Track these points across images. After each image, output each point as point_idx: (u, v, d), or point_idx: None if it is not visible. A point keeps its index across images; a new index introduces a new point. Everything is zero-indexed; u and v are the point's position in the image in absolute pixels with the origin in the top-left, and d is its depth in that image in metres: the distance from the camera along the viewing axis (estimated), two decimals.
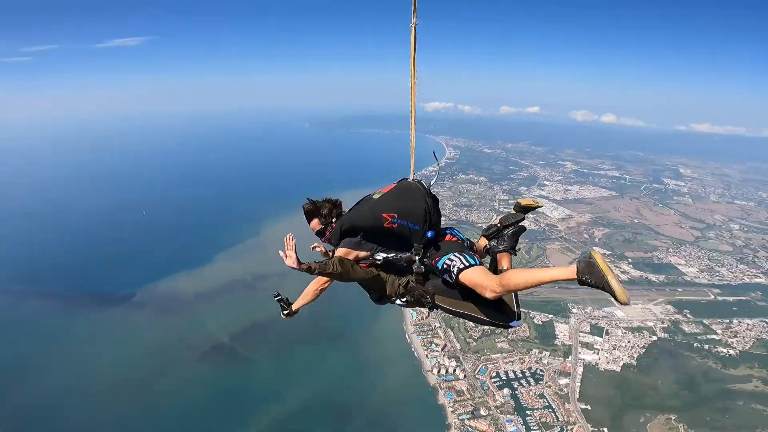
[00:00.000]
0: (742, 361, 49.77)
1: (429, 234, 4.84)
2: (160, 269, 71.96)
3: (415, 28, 4.71)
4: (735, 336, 54.33)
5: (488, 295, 4.32)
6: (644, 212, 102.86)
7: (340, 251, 4.98)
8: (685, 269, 72.63)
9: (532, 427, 41.53)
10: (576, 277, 3.92)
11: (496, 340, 53.55)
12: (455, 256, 4.67)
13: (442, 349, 52.11)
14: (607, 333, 55.13)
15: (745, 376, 47.28)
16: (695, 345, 53.00)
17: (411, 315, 57.94)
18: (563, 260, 74.17)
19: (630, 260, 75.75)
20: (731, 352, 51.49)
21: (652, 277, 69.11)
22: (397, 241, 4.91)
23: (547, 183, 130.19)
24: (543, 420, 42.11)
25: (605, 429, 41.02)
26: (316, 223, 5.53)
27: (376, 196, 5.10)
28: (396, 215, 4.79)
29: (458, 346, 52.84)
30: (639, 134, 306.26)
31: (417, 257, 4.83)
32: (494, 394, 45.50)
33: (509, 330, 43.31)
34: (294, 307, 5.73)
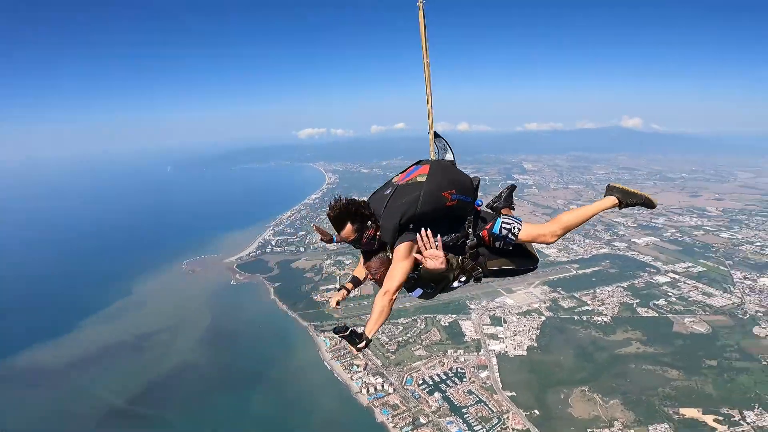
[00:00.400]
0: (617, 326, 55.54)
1: (478, 203, 4.91)
2: (12, 344, 60.87)
3: (422, 6, 4.92)
4: (603, 304, 60.82)
5: (551, 239, 4.80)
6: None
7: (404, 247, 4.50)
8: (547, 251, 79.42)
9: (472, 424, 41.73)
10: (617, 203, 5.00)
11: (413, 349, 53.88)
12: (506, 219, 4.93)
13: (364, 369, 50.87)
14: (505, 321, 57.93)
15: (625, 340, 52.63)
16: (575, 318, 58.01)
17: (325, 343, 56.59)
18: None
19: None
20: (605, 319, 57.29)
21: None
22: (449, 220, 4.80)
23: None
24: (480, 414, 42.73)
25: (536, 411, 42.38)
26: (349, 231, 4.50)
27: (419, 179, 4.74)
28: (455, 191, 4.66)
29: (379, 362, 52.02)
30: (489, 138, 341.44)
31: (471, 230, 4.84)
32: (427, 401, 45.29)
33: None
34: (368, 333, 4.31)
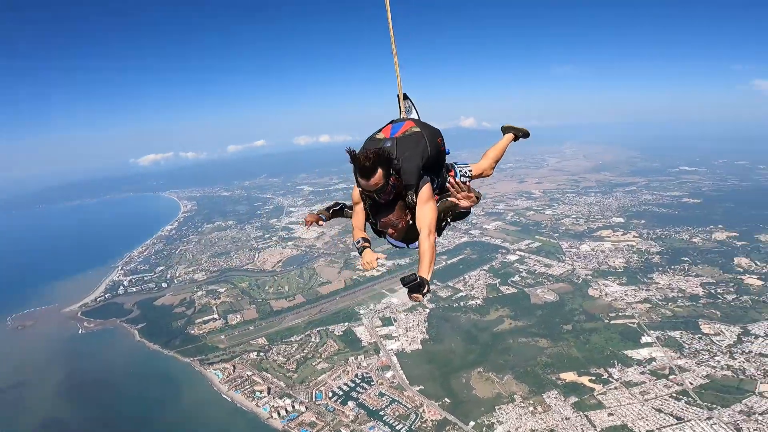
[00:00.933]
0: (489, 306, 61.78)
1: (447, 151, 5.44)
2: None
3: None
4: (473, 288, 67.16)
5: (490, 172, 6.29)
6: None
7: (428, 189, 4.79)
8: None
9: (393, 424, 42.46)
10: (514, 137, 7.11)
11: (313, 364, 53.16)
12: (460, 164, 5.90)
13: (268, 393, 48.31)
14: (395, 320, 60.34)
15: (498, 318, 58.77)
16: (455, 305, 63.04)
17: (217, 375, 52.55)
18: (332, 273, 78.95)
19: (380, 253, 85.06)
20: (478, 302, 63.31)
21: (401, 262, 78.01)
22: (439, 166, 5.23)
23: (293, 209, 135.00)
24: (397, 414, 43.76)
25: (446, 399, 44.85)
26: (380, 177, 4.46)
27: (413, 130, 5.11)
28: (441, 139, 5.16)
29: (282, 383, 49.91)
30: (351, 146, 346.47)
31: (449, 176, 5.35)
32: (343, 411, 45.04)
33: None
34: (428, 277, 4.31)
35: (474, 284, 69.29)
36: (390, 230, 4.95)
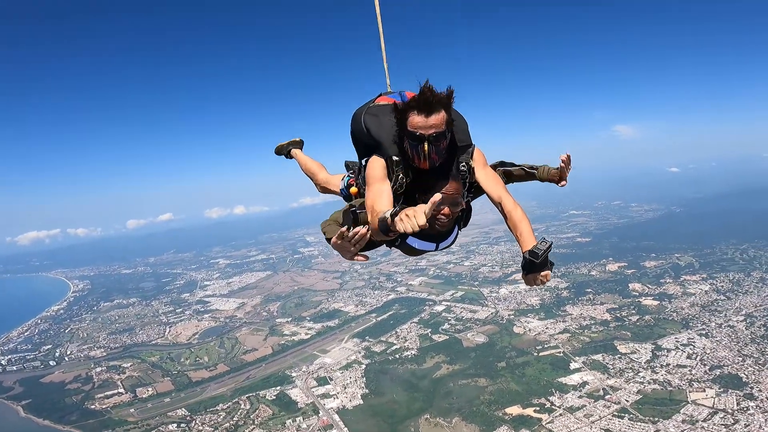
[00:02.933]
0: (424, 355, 60.52)
1: None
2: None
3: None
4: (406, 340, 65.80)
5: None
6: (298, 279, 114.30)
7: (482, 153, 4.02)
8: (346, 309, 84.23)
9: None
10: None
11: (246, 431, 47.42)
12: None
13: None
14: (331, 379, 56.71)
15: (435, 365, 57.43)
16: (390, 358, 61.03)
17: None
18: (256, 340, 73.20)
19: (308, 318, 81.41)
20: (413, 352, 61.88)
21: (330, 324, 76.16)
22: None
23: (207, 283, 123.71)
24: None
25: None
26: (441, 119, 3.43)
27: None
28: None
29: None
30: (267, 217, 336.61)
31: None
32: None
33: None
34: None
35: (406, 336, 67.85)
36: (446, 209, 3.56)
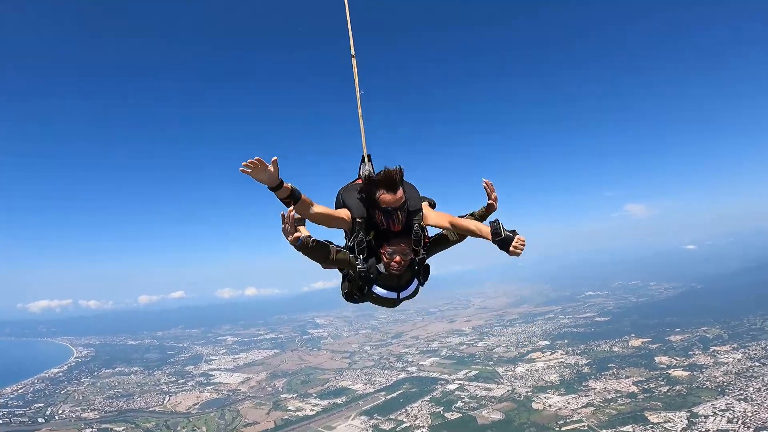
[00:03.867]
0: None
1: None
2: None
3: (354, 57, 5.69)
4: (416, 418, 60.65)
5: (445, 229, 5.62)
6: (306, 358, 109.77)
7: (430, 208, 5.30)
8: (354, 387, 79.03)
9: None
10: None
11: None
12: None
13: None
14: None
15: None
16: None
17: None
18: (259, 414, 68.35)
19: (314, 395, 76.46)
20: (424, 430, 57.07)
21: (337, 401, 71.44)
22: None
23: (213, 357, 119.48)
24: None
25: None
26: (401, 195, 4.48)
27: None
28: None
29: None
30: (278, 300, 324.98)
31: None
32: None
33: None
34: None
35: (417, 414, 62.24)
36: (398, 258, 4.60)
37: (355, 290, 4.92)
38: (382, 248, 4.57)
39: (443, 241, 5.07)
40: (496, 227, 4.17)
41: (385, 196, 4.33)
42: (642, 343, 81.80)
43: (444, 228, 4.93)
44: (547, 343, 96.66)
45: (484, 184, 5.24)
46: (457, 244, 5.22)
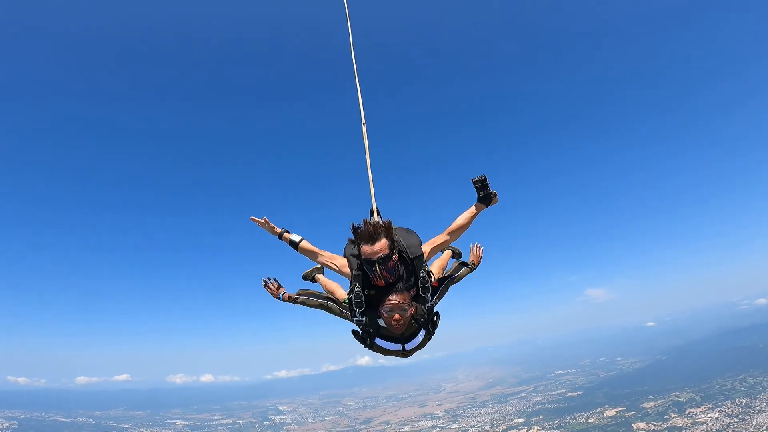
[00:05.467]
0: None
1: None
2: None
3: (365, 126, 6.05)
4: None
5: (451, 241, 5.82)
6: None
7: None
8: None
9: None
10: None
11: None
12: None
13: None
14: None
15: None
16: None
17: None
18: None
19: None
20: None
21: None
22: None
23: None
24: None
25: None
26: (384, 244, 4.35)
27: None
28: None
29: None
30: (236, 387, 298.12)
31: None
32: None
33: None
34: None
35: None
36: (397, 315, 4.40)
37: (359, 341, 4.82)
38: (382, 305, 4.41)
39: (450, 274, 5.43)
40: (477, 180, 4.79)
41: (365, 248, 4.32)
42: (617, 412, 78.04)
43: (445, 244, 5.05)
44: (522, 420, 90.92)
45: (476, 249, 5.82)
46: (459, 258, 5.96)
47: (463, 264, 5.69)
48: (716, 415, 60.14)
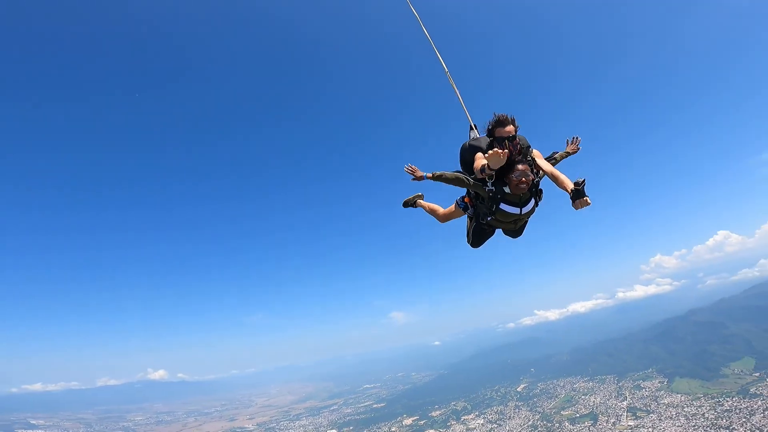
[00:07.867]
0: None
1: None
2: None
3: (448, 73, 7.19)
4: None
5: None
6: None
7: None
8: None
9: None
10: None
11: None
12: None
13: None
14: None
15: None
16: None
17: None
18: None
19: None
20: None
21: None
22: None
23: None
24: None
25: None
26: (513, 128, 5.91)
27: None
28: None
29: None
30: None
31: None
32: None
33: None
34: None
35: None
36: (524, 179, 5.60)
37: (485, 211, 5.98)
38: (509, 175, 5.66)
39: (549, 156, 6.58)
40: (579, 182, 5.32)
41: (499, 129, 5.80)
42: (413, 421, 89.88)
43: (543, 168, 5.95)
44: (334, 431, 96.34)
45: (574, 139, 6.82)
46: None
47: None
48: (482, 421, 76.91)
